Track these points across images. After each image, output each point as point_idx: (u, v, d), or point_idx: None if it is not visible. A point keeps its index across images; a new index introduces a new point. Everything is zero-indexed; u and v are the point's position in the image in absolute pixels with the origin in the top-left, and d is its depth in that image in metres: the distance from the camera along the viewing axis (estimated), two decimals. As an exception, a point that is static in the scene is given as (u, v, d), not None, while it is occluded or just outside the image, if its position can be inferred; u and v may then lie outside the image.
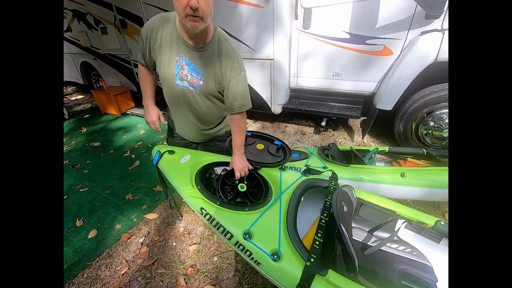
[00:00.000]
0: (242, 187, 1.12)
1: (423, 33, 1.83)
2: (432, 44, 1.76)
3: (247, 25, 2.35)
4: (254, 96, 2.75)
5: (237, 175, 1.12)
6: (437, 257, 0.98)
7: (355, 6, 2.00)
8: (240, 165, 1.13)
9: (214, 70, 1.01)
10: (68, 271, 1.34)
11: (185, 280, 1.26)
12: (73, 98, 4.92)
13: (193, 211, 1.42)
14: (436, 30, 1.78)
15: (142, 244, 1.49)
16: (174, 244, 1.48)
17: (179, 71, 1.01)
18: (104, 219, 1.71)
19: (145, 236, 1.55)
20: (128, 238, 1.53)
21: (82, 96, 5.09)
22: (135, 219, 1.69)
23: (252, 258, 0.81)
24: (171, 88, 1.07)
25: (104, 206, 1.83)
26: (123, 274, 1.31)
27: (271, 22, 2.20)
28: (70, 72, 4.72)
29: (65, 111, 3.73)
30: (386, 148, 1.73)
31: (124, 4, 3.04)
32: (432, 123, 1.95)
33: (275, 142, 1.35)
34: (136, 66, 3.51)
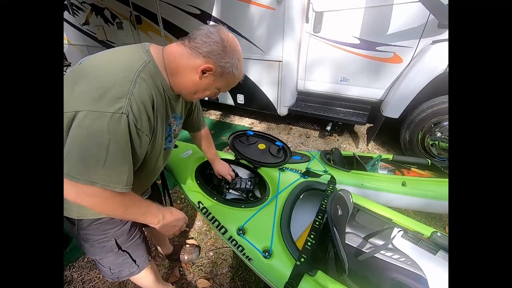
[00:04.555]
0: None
1: (434, 42, 1.80)
2: (444, 54, 1.73)
3: (258, 26, 2.38)
4: (261, 96, 2.77)
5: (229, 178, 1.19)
6: (432, 269, 0.96)
7: (367, 12, 1.99)
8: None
9: (183, 102, 0.80)
10: (69, 254, 1.39)
11: (180, 271, 1.29)
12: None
13: (192, 205, 1.44)
14: (448, 40, 1.75)
15: (141, 234, 1.53)
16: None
17: (171, 132, 0.76)
18: (107, 207, 1.76)
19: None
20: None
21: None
22: (136, 210, 1.73)
23: (244, 254, 0.83)
24: (153, 162, 0.72)
25: (108, 195, 1.89)
26: (121, 262, 1.35)
27: (282, 24, 2.21)
28: (85, 64, 4.87)
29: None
30: (390, 156, 1.72)
31: (140, 0, 3.12)
32: (439, 134, 1.92)
33: (277, 143, 1.36)
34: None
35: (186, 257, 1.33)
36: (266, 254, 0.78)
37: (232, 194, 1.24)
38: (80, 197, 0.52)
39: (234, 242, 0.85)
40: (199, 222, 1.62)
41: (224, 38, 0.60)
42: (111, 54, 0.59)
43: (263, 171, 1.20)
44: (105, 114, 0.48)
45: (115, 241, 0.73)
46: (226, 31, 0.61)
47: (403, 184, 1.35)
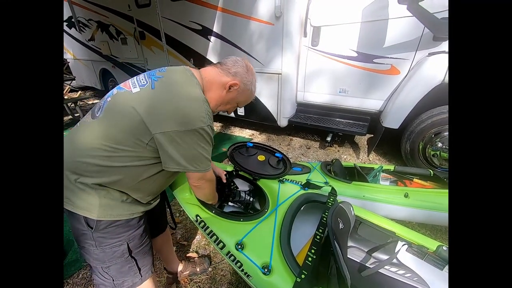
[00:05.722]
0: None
1: (430, 54, 1.84)
2: (440, 66, 1.76)
3: (257, 41, 2.45)
4: (261, 108, 2.80)
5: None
6: (439, 285, 0.92)
7: (363, 26, 2.05)
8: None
9: None
10: (64, 270, 1.35)
11: (177, 288, 1.24)
12: (90, 102, 5.16)
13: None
14: (444, 52, 1.79)
15: (138, 249, 1.49)
16: (170, 251, 1.47)
17: None
18: (105, 220, 1.73)
19: (142, 241, 1.55)
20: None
21: (98, 101, 5.32)
22: (134, 223, 1.70)
23: (242, 270, 0.80)
24: None
25: (106, 207, 1.86)
26: (116, 278, 1.31)
27: (281, 38, 2.28)
28: (90, 77, 4.99)
29: (81, 114, 3.91)
30: (391, 167, 1.70)
31: (144, 17, 3.25)
32: (440, 144, 1.91)
33: (276, 154, 1.36)
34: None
35: (198, 269, 1.30)
36: (265, 270, 0.75)
37: (231, 207, 1.22)
38: (202, 180, 0.81)
39: (232, 257, 0.82)
40: (198, 236, 1.58)
41: (247, 65, 0.82)
42: (171, 86, 0.71)
43: (263, 183, 1.18)
44: (202, 128, 0.68)
45: (127, 245, 0.76)
46: (248, 61, 0.84)
47: (406, 196, 1.32)
